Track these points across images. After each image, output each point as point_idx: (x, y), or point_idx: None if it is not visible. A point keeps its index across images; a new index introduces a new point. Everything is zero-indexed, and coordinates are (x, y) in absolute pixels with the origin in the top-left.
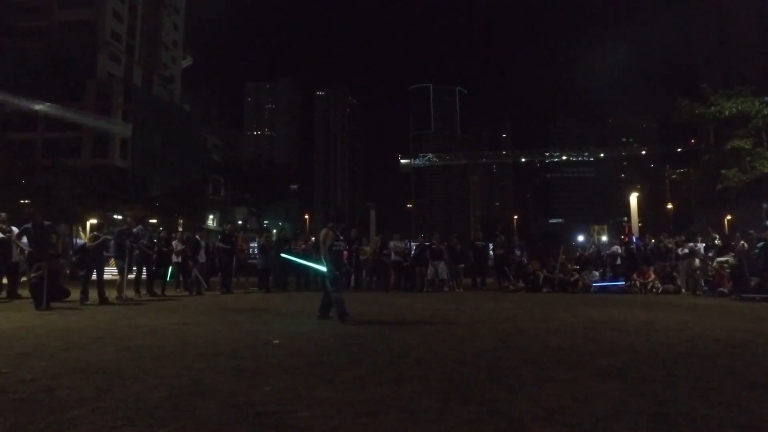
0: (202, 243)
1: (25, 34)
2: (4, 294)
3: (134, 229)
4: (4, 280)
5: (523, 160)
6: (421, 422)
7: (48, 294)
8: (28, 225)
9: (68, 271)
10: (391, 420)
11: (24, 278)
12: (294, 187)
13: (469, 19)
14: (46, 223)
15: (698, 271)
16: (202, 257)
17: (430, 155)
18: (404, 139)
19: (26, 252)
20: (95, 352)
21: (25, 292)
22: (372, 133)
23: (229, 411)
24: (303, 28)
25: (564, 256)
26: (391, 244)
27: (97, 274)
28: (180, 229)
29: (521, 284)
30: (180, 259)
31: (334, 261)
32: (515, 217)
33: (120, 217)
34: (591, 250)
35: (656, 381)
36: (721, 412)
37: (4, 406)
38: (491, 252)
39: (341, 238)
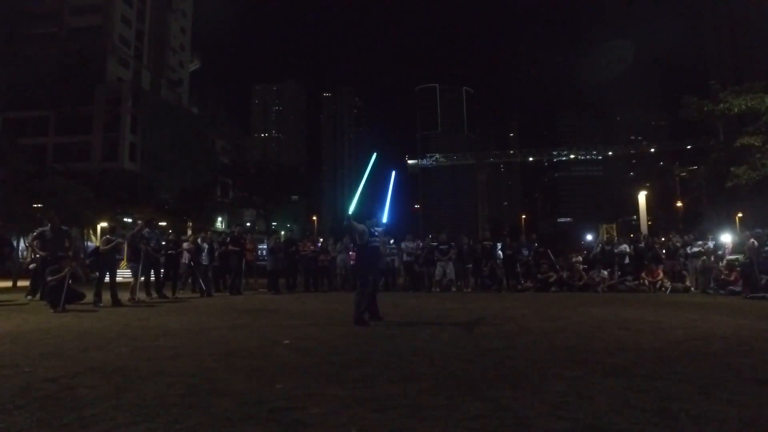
0: (204, 245)
1: (36, 41)
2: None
3: (143, 232)
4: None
5: (530, 159)
6: (428, 418)
7: (62, 297)
8: (46, 228)
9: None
10: (400, 416)
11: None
12: (295, 197)
13: (475, 18)
14: (63, 227)
15: (708, 270)
16: (205, 259)
17: (438, 155)
18: (411, 140)
19: (40, 255)
20: (112, 353)
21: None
22: (379, 134)
23: (243, 408)
24: (309, 30)
25: (579, 257)
26: (403, 245)
27: (109, 277)
28: (189, 231)
29: (529, 284)
30: (188, 261)
31: (369, 260)
32: (523, 216)
33: (130, 220)
34: (597, 250)
35: (660, 378)
36: (724, 409)
37: (29, 403)
38: (499, 252)
39: (376, 234)
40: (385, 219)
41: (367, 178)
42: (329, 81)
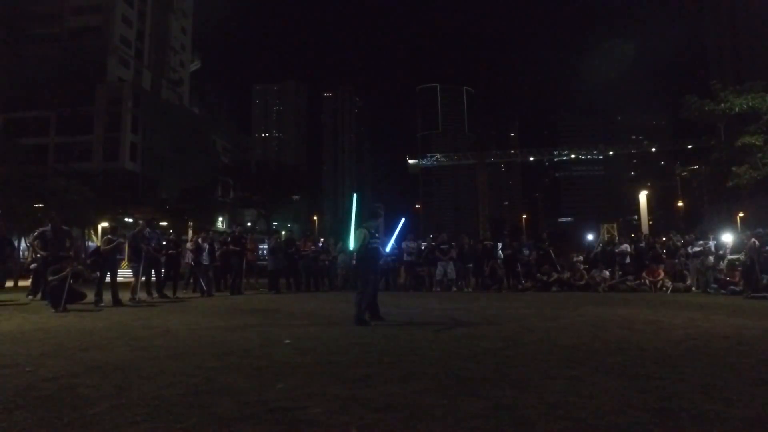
0: (205, 245)
1: (37, 41)
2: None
3: (144, 232)
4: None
5: (531, 159)
6: (429, 417)
7: (63, 297)
8: (47, 228)
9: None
10: (401, 416)
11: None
12: (295, 197)
13: (476, 18)
14: (64, 227)
15: (709, 269)
16: (205, 259)
17: (438, 155)
18: (412, 140)
19: (40, 255)
20: (112, 352)
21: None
22: (380, 134)
23: (244, 407)
24: (310, 30)
25: (580, 257)
26: (403, 244)
27: (110, 277)
28: (190, 231)
29: (530, 284)
30: (191, 261)
31: (370, 261)
32: (524, 216)
33: (131, 220)
34: (598, 249)
35: (661, 378)
36: (725, 408)
37: (30, 403)
38: (500, 252)
39: (377, 235)
40: (388, 249)
41: (356, 219)
42: (330, 80)
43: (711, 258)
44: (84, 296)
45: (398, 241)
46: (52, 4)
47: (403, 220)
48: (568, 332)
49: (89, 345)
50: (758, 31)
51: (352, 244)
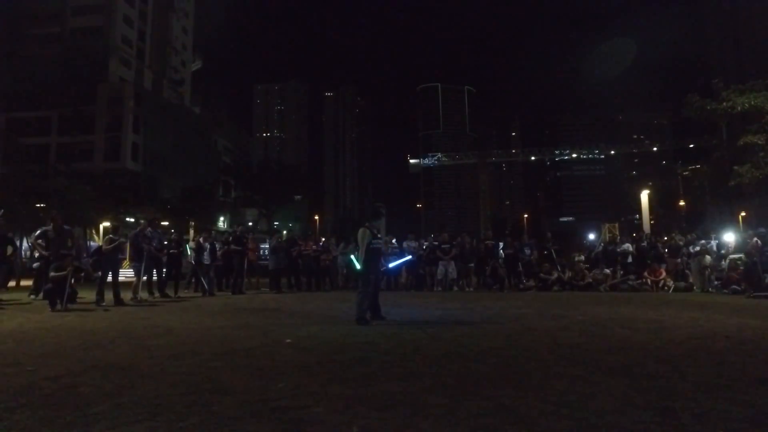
0: (206, 245)
1: (38, 41)
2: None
3: (146, 231)
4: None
5: (533, 158)
6: (431, 417)
7: (64, 295)
8: (48, 228)
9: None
10: (402, 415)
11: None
12: (297, 197)
13: (477, 17)
14: (65, 227)
15: (709, 269)
16: (206, 259)
17: (440, 155)
18: (413, 139)
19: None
20: (114, 351)
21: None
22: (381, 134)
23: (245, 407)
24: (311, 29)
25: (582, 257)
26: (405, 244)
27: (112, 276)
28: (192, 231)
29: (531, 283)
30: (193, 260)
31: (371, 261)
32: (525, 215)
33: (132, 220)
34: (599, 249)
35: (663, 377)
36: (727, 407)
37: (32, 402)
38: (501, 251)
39: (379, 236)
40: (390, 265)
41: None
42: (331, 80)
43: (708, 257)
44: (76, 293)
45: (398, 266)
46: (53, 4)
47: (410, 256)
48: (570, 332)
49: (90, 344)
50: (760, 30)
51: (358, 266)
